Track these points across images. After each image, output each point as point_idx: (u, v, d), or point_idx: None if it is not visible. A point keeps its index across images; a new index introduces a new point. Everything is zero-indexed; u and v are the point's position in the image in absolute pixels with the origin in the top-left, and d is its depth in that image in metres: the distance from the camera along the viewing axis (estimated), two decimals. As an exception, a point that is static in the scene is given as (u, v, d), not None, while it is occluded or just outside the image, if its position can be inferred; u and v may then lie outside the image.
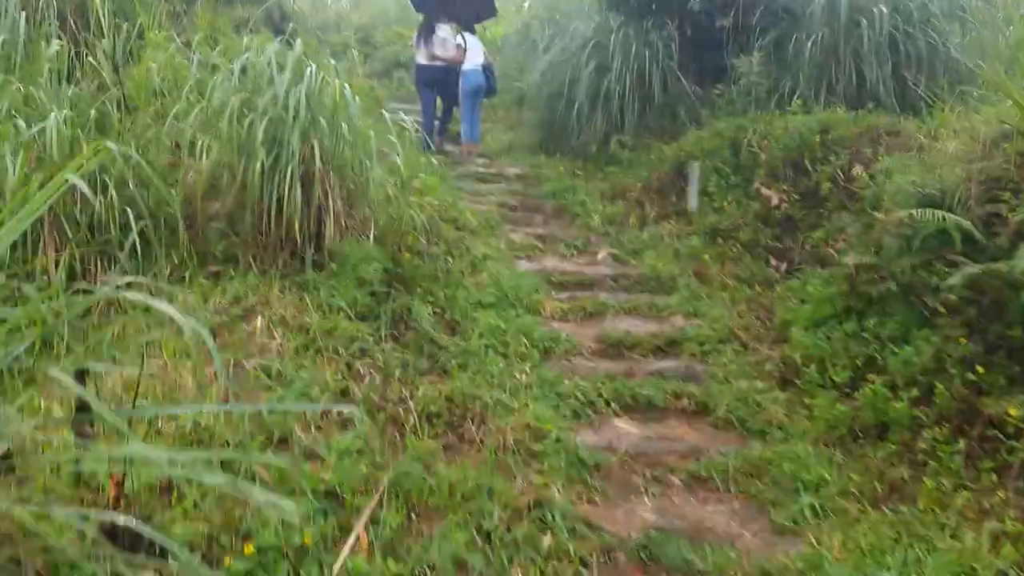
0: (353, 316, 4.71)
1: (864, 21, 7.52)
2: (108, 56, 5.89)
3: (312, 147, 4.96)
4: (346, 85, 5.20)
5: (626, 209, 7.64)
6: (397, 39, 15.77)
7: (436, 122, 9.82)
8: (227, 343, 4.00)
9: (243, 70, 5.17)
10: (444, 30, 9.57)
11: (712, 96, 8.72)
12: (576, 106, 9.00)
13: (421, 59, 9.69)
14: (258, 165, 4.75)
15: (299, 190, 4.84)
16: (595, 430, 4.53)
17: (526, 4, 15.76)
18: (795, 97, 7.63)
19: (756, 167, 7.13)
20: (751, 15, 8.36)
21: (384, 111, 6.05)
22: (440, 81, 9.59)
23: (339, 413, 3.74)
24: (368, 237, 5.24)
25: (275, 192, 4.85)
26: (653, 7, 9.31)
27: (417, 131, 9.94)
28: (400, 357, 4.57)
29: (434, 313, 5.22)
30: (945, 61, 7.52)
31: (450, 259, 5.90)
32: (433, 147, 9.58)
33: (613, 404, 4.79)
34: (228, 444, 3.10)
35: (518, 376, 4.81)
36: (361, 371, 4.29)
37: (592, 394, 4.80)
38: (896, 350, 4.62)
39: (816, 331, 5.30)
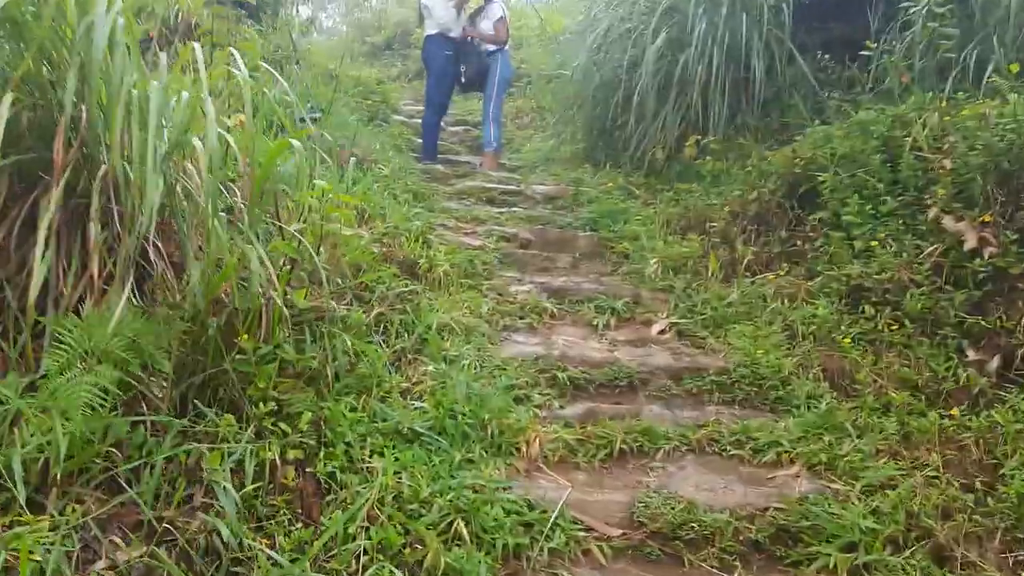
0: (52, 488, 2.05)
1: (1120, -58, 4.47)
2: None
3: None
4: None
5: (704, 248, 4.76)
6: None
7: (439, 118, 7.08)
8: None
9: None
10: None
11: (844, 78, 5.77)
12: (637, 98, 6.19)
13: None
14: None
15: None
16: None
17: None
18: (988, 74, 4.65)
19: (930, 184, 4.17)
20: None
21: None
22: (435, 63, 6.94)
23: None
24: (172, 294, 2.60)
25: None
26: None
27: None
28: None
29: (280, 462, 2.50)
30: None
31: (362, 340, 3.18)
32: (430, 154, 6.94)
33: None
34: None
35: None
36: None
37: None
38: None
39: (1116, 535, 2.36)
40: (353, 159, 5.33)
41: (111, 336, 2.17)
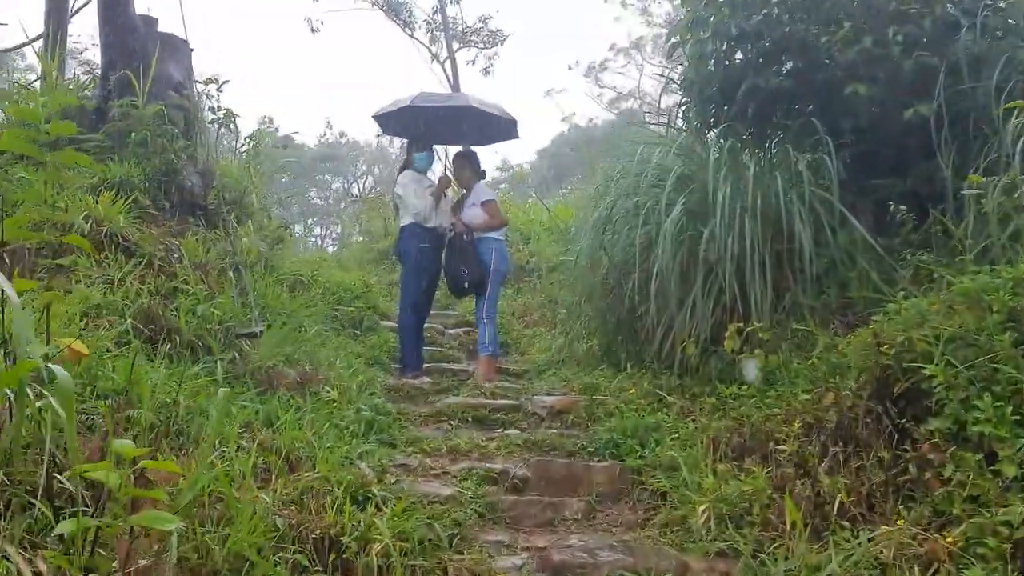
0: None
1: None
2: None
3: None
4: None
5: (773, 480, 3.32)
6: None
7: (417, 320, 5.92)
8: None
9: None
10: (408, 176, 6.05)
11: (913, 240, 4.60)
12: (656, 281, 5.02)
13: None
14: None
15: None
16: None
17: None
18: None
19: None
20: (981, 78, 4.40)
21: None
22: (409, 257, 6.00)
23: None
24: None
25: None
26: (780, 114, 5.52)
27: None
28: None
29: None
30: None
31: None
32: (412, 365, 5.75)
33: None
34: None
35: None
36: None
37: None
38: None
39: None
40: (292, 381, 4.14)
41: None
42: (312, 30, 19.46)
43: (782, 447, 3.42)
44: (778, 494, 3.23)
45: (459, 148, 6.38)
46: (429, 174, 6.13)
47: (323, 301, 6.65)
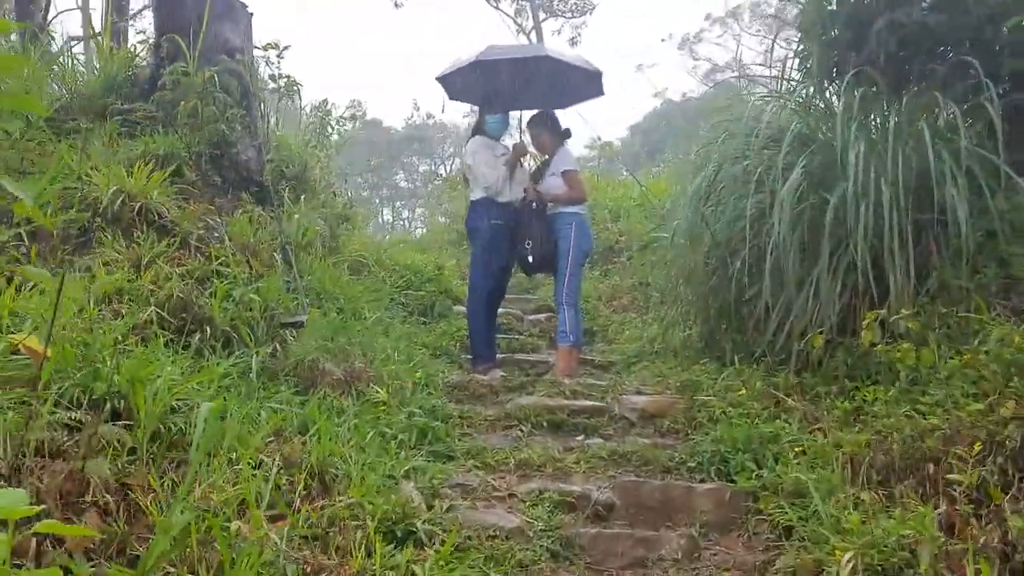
0: None
1: None
2: None
3: None
4: None
5: (940, 521, 2.51)
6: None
7: (488, 306, 5.26)
8: None
9: None
10: (478, 142, 5.37)
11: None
12: (770, 259, 4.21)
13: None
14: None
15: None
16: None
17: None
18: None
19: None
20: None
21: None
22: (480, 235, 5.34)
23: None
24: None
25: None
26: (923, 56, 4.58)
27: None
28: None
29: None
30: None
31: None
32: (483, 357, 5.12)
33: None
34: None
35: None
36: None
37: None
38: None
39: None
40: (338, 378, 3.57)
41: None
42: (396, 4, 19.05)
43: (955, 477, 2.60)
44: (950, 535, 2.44)
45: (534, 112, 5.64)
46: (504, 140, 5.46)
47: (391, 285, 6.11)
